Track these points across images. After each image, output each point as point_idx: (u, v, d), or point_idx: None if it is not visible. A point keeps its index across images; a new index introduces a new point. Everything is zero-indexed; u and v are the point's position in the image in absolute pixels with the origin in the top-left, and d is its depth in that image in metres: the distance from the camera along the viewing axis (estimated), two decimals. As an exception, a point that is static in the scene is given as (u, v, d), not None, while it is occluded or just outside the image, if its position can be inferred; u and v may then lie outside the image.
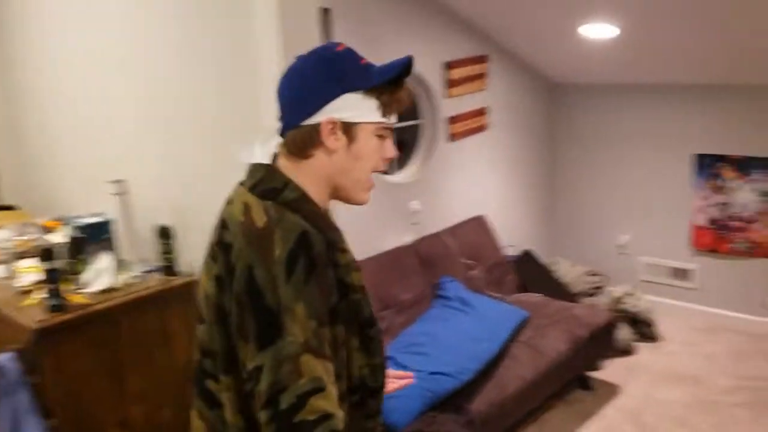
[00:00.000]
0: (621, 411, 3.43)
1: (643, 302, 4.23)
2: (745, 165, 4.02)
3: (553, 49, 4.15)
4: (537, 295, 3.89)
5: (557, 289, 4.16)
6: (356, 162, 1.20)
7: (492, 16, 3.79)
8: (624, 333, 4.02)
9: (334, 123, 1.17)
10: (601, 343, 3.56)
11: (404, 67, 1.18)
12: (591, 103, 4.64)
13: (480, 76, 4.04)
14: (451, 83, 3.84)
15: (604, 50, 3.88)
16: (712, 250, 4.29)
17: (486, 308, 3.32)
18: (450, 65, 3.80)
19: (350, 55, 1.20)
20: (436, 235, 3.75)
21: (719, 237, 4.23)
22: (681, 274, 4.50)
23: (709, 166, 4.17)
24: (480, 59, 4.01)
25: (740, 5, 3.04)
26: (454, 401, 2.73)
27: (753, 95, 3.91)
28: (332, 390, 1.06)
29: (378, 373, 1.24)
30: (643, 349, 4.10)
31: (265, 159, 1.22)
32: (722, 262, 4.30)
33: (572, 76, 4.58)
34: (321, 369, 1.05)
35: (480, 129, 4.13)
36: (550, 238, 4.96)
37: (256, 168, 1.20)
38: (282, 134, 1.21)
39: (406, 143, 3.95)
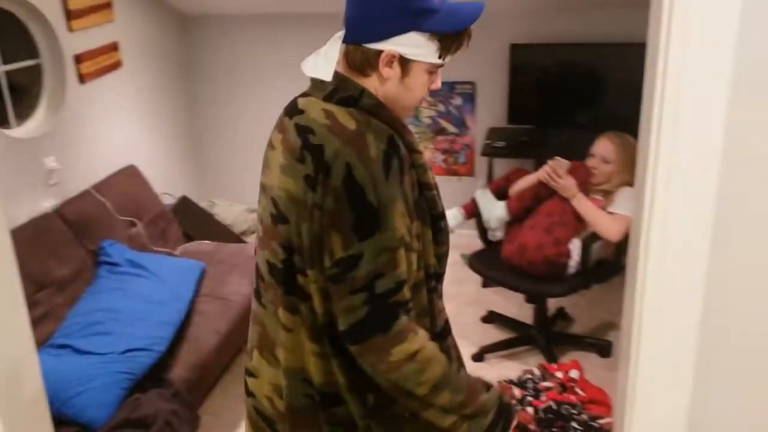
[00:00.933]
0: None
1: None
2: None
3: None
4: (205, 242, 3.71)
5: (221, 233, 4.04)
6: (405, 92, 1.29)
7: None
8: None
9: (393, 56, 1.24)
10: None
11: (475, 17, 1.24)
12: (227, 36, 4.46)
13: (106, 6, 3.53)
14: (72, 14, 3.26)
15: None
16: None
17: (161, 267, 3.03)
18: (69, -7, 3.22)
19: None
20: (84, 194, 3.25)
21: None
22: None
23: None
24: (103, -14, 3.50)
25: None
26: (154, 376, 2.46)
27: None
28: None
29: (444, 260, 1.37)
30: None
31: (330, 70, 1.25)
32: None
33: (204, 7, 4.32)
34: (412, 260, 1.22)
35: (114, 67, 3.65)
36: (203, 179, 4.75)
37: (323, 81, 1.26)
38: (344, 44, 1.27)
39: (22, 89, 3.28)
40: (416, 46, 1.24)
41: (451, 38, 1.25)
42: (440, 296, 1.41)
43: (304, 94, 1.33)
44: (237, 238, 4.03)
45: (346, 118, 1.23)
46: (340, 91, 1.26)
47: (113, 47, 3.64)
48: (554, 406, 2.75)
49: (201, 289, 3.11)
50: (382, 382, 1.22)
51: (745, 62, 0.83)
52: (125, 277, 2.86)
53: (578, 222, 3.00)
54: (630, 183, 2.83)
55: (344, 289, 1.18)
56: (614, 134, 3.07)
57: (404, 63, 1.25)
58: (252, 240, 4.22)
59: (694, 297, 1.01)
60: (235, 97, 4.57)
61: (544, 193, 3.09)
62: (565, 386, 2.89)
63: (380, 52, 1.24)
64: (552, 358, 3.18)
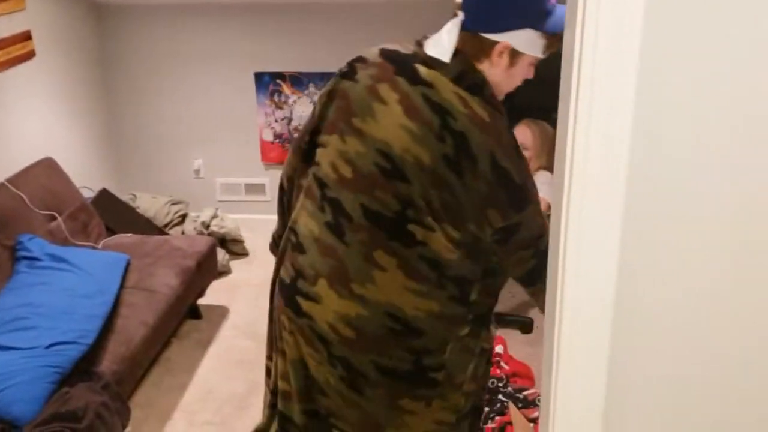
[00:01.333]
0: (236, 329, 3.53)
1: (229, 222, 4.34)
2: (299, 80, 4.36)
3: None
4: (128, 235, 3.64)
5: (144, 225, 3.96)
6: (507, 79, 1.48)
7: None
8: (219, 255, 4.08)
9: (507, 47, 1.42)
10: (206, 270, 3.55)
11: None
12: (144, 25, 4.35)
13: (16, -6, 3.40)
14: (-19, 2, 3.14)
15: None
16: (281, 162, 4.61)
17: (84, 260, 2.96)
18: (-24, -21, 3.09)
19: None
20: (-1, 188, 3.13)
21: (285, 150, 4.55)
22: (256, 189, 4.73)
23: (269, 83, 4.39)
24: (12, -27, 3.36)
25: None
26: (83, 369, 2.41)
27: (305, 13, 4.19)
28: None
29: None
30: (237, 266, 4.25)
31: (450, 52, 1.41)
32: (289, 172, 4.65)
33: (120, -5, 4.21)
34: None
35: (27, 57, 3.51)
36: (124, 172, 4.63)
37: (453, 61, 1.41)
38: (462, 28, 1.42)
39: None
40: (526, 42, 1.42)
41: (557, 38, 1.39)
42: None
43: (423, 63, 1.44)
44: (160, 231, 3.97)
45: (480, 108, 1.41)
46: (467, 77, 1.43)
47: (25, 36, 3.51)
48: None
49: (127, 281, 3.05)
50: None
51: (651, 56, 0.92)
52: (47, 272, 2.78)
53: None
54: (546, 167, 2.97)
55: (512, 248, 1.48)
56: (531, 122, 3.21)
57: (513, 55, 1.43)
58: (174, 232, 4.16)
59: (609, 273, 1.10)
60: (154, 87, 4.48)
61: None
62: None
63: (496, 42, 1.41)
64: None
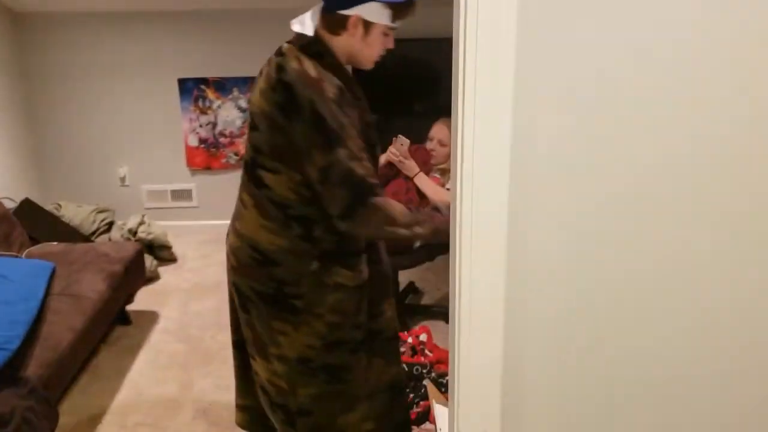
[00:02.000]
0: (167, 333, 3.55)
1: (156, 228, 4.35)
2: (223, 85, 4.41)
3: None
4: (52, 243, 3.61)
5: (69, 234, 3.94)
6: (366, 47, 1.76)
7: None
8: (146, 261, 4.09)
9: (359, 19, 1.69)
10: (134, 275, 3.56)
11: None
12: (66, 34, 4.33)
13: (-74, 2, 3.34)
14: None
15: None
16: (207, 168, 4.64)
17: (6, 269, 2.94)
18: None
19: None
20: None
21: (211, 154, 4.59)
22: (182, 195, 4.75)
23: (192, 89, 4.42)
24: None
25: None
26: (8, 374, 2.41)
27: (227, 20, 4.25)
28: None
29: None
30: (166, 271, 4.26)
31: (311, 29, 1.73)
32: (216, 177, 4.70)
33: (37, 5, 4.16)
34: (368, 166, 1.68)
35: (-61, 66, 3.46)
36: (47, 182, 4.57)
37: (304, 35, 1.73)
38: (322, 11, 1.73)
39: None
40: (374, 12, 1.69)
41: (400, 7, 1.70)
42: None
43: (289, 42, 1.76)
44: (85, 239, 3.95)
45: (311, 66, 1.66)
46: (312, 46, 1.71)
47: (-63, 45, 3.45)
48: (406, 368, 3.00)
49: (53, 288, 3.04)
50: (373, 239, 1.92)
51: (525, 61, 1.06)
52: (-32, 281, 2.76)
53: (421, 198, 3.26)
54: None
55: (330, 186, 1.66)
56: (449, 119, 3.37)
57: (366, 25, 1.70)
58: (101, 240, 4.15)
59: (499, 254, 1.23)
60: (77, 96, 4.46)
61: (389, 173, 3.33)
62: (415, 349, 3.15)
63: (350, 16, 1.69)
64: (405, 327, 3.43)
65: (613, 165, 1.12)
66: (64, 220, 4.07)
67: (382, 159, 3.35)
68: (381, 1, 1.70)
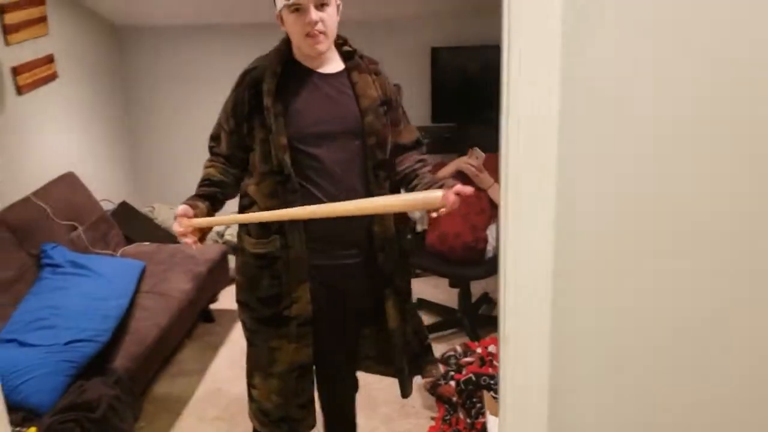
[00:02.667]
0: (246, 332, 3.71)
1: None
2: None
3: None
4: (145, 243, 3.86)
5: (161, 235, 4.18)
6: (291, 34, 1.93)
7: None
8: (231, 263, 4.28)
9: (276, 15, 1.93)
10: (218, 275, 3.75)
11: None
12: (162, 45, 4.61)
13: (40, 20, 3.65)
14: (8, 28, 3.39)
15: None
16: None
17: (103, 267, 3.18)
18: (4, 9, 3.34)
19: None
20: (24, 201, 3.36)
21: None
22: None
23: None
24: (37, 1, 3.62)
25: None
26: (97, 365, 2.62)
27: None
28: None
29: (287, 161, 1.96)
30: (250, 273, 4.43)
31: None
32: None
33: (134, 18, 4.46)
34: (225, 138, 2.09)
35: (50, 78, 3.77)
36: (143, 185, 4.87)
37: None
38: None
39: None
40: (276, 2, 1.90)
41: None
42: (299, 196, 1.96)
43: None
44: (175, 240, 4.18)
45: None
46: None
47: (49, 59, 3.76)
48: (474, 378, 3.01)
49: (142, 286, 3.26)
50: None
51: (570, 74, 1.08)
52: (68, 277, 3.01)
53: (494, 209, 3.27)
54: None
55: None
56: (474, 150, 3.36)
57: (280, 15, 1.91)
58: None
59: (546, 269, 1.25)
60: (171, 103, 4.72)
61: (461, 183, 3.35)
62: (484, 360, 3.16)
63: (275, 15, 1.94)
64: (476, 338, 3.44)
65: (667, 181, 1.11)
66: (157, 222, 4.33)
67: (451, 168, 3.38)
68: None
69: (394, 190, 2.17)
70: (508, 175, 1.26)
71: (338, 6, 1.95)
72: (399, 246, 2.16)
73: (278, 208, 1.91)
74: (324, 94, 1.98)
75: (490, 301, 3.88)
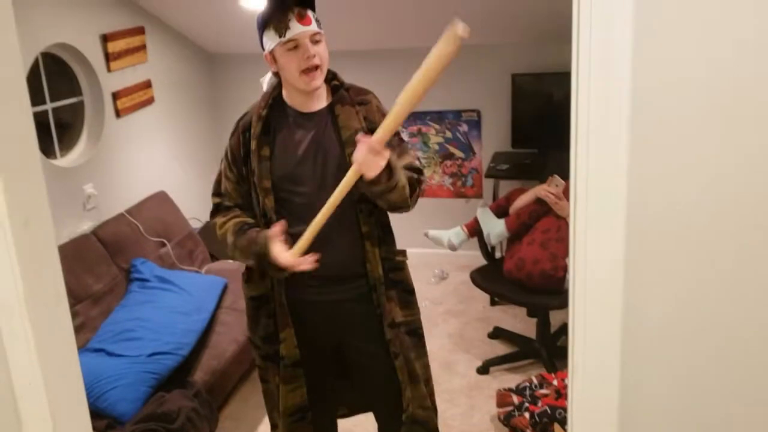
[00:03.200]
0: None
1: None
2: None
3: (208, 21, 4.18)
4: (229, 261, 3.98)
5: (244, 254, 4.30)
6: (286, 72, 1.88)
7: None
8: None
9: (266, 56, 1.92)
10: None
11: (270, 4, 1.87)
12: (248, 72, 4.77)
13: (140, 48, 3.89)
14: (111, 56, 3.62)
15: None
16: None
17: (187, 282, 3.31)
18: (107, 38, 3.58)
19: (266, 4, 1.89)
20: (118, 218, 3.56)
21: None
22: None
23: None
24: (138, 31, 3.85)
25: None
26: (177, 378, 2.71)
27: (410, 57, 4.42)
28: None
29: (273, 216, 1.93)
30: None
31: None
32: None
33: (229, 46, 4.67)
34: (227, 186, 2.04)
35: (147, 102, 3.99)
36: (228, 206, 5.04)
37: None
38: None
39: (67, 124, 3.63)
40: (267, 40, 1.87)
41: (271, 21, 1.83)
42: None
43: None
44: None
45: None
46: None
47: (147, 85, 3.99)
48: (549, 411, 2.93)
49: (223, 302, 3.37)
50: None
51: (640, 100, 1.06)
52: (154, 291, 3.15)
53: (574, 238, 3.19)
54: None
55: None
56: (553, 177, 3.28)
57: (272, 54, 1.89)
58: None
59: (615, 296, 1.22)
60: (259, 128, 4.89)
61: (540, 210, 3.29)
62: (560, 393, 3.06)
63: (264, 57, 1.92)
64: (553, 369, 3.34)
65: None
66: (241, 240, 4.46)
67: (531, 195, 3.33)
68: (261, 29, 1.87)
69: (385, 225, 2.06)
70: (577, 201, 1.24)
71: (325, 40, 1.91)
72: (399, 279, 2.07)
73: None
74: (308, 133, 1.93)
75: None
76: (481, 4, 3.62)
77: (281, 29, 1.80)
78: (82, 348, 2.78)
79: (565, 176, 3.29)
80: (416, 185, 1.96)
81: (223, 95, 4.88)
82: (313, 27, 1.84)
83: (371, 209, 1.96)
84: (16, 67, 1.29)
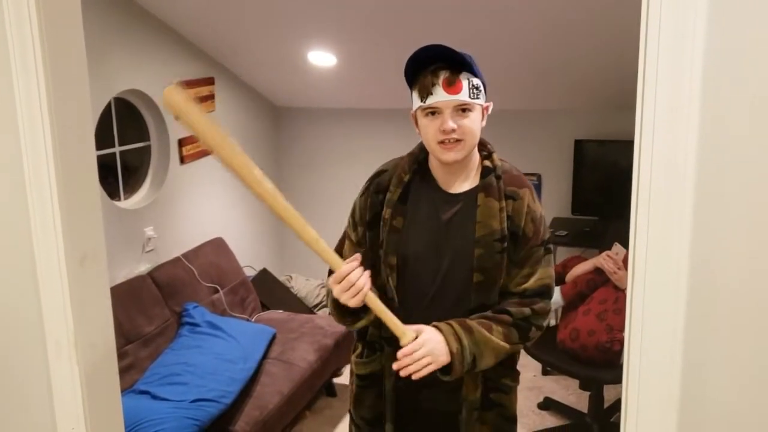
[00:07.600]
0: (365, 410, 3.67)
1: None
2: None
3: (277, 75, 4.32)
4: (279, 311, 3.99)
5: (295, 304, 4.31)
6: (424, 138, 1.65)
7: (218, 41, 3.82)
8: (358, 338, 4.31)
9: (412, 115, 1.67)
10: (344, 349, 3.78)
11: (413, 61, 1.59)
12: (312, 125, 4.90)
13: (209, 98, 4.03)
14: (181, 105, 3.75)
15: (324, 77, 4.15)
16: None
17: (235, 330, 3.32)
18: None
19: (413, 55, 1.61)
20: (175, 261, 3.62)
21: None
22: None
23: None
24: (207, 81, 4.00)
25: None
26: (219, 425, 2.69)
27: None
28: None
29: (390, 291, 1.71)
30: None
31: None
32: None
33: (295, 100, 4.80)
34: (346, 247, 1.83)
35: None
36: (283, 255, 5.10)
37: None
38: None
39: (133, 168, 3.76)
40: (413, 101, 1.64)
41: (416, 84, 1.61)
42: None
43: None
44: (309, 310, 4.29)
45: None
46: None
47: (212, 133, 4.10)
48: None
49: (270, 352, 3.36)
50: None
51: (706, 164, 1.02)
52: (203, 337, 3.16)
53: (632, 310, 3.07)
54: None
55: None
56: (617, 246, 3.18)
57: (415, 118, 1.66)
58: (322, 312, 4.47)
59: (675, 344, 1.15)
60: (315, 181, 4.97)
61: (598, 280, 3.19)
62: (612, 473, 2.90)
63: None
64: (605, 448, 3.19)
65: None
66: (292, 291, 4.48)
67: (590, 263, 3.23)
68: (410, 87, 1.65)
69: None
70: (635, 272, 1.19)
71: (485, 109, 1.65)
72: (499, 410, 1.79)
73: (386, 330, 1.63)
74: (444, 215, 1.69)
75: (624, 408, 3.60)
76: (542, 67, 3.62)
77: (423, 94, 1.58)
78: (128, 389, 2.80)
79: (627, 245, 3.19)
80: (528, 328, 1.66)
81: (286, 148, 4.99)
82: (463, 97, 1.56)
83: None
84: (85, 113, 1.34)
